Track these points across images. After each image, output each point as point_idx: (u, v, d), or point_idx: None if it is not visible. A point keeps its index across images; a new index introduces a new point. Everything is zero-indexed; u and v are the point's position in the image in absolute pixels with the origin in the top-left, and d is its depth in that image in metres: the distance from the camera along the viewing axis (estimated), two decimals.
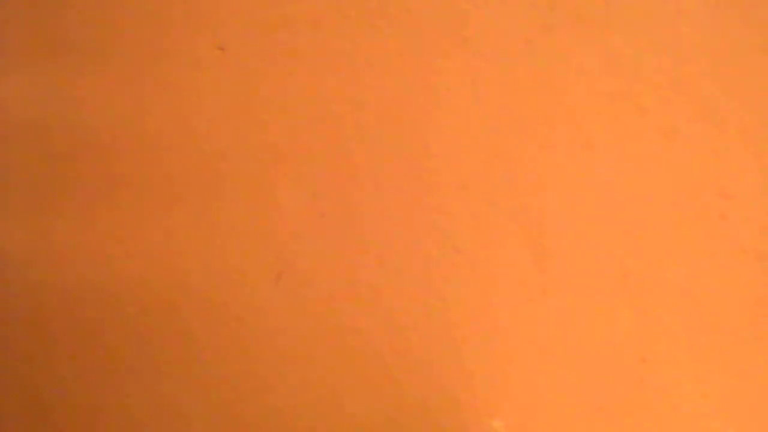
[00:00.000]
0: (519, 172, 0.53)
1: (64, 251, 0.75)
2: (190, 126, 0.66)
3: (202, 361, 0.69)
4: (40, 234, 0.77)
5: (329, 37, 0.59)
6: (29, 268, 0.78)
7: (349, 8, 0.58)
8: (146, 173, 0.69)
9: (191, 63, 0.66)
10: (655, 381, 0.50)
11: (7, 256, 0.80)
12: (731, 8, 0.45)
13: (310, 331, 0.63)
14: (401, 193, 0.57)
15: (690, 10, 0.47)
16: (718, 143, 0.46)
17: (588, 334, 0.52)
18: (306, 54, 0.60)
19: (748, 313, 0.47)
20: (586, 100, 0.50)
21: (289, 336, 0.64)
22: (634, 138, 0.49)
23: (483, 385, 0.56)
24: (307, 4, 0.59)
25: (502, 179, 0.53)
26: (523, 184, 0.53)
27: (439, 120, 0.55)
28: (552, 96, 0.51)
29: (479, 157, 0.54)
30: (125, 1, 0.69)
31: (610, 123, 0.49)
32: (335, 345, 0.62)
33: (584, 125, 0.50)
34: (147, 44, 0.68)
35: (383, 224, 0.58)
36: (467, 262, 0.55)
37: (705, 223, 0.47)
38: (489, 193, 0.54)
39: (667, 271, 0.49)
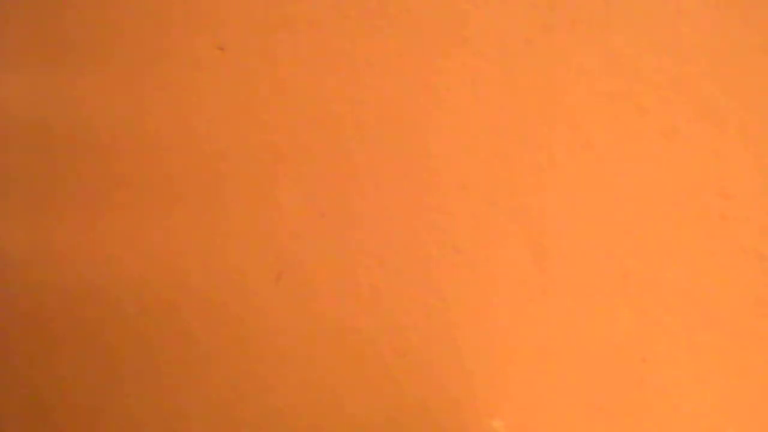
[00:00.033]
0: (519, 172, 0.53)
1: (64, 251, 0.75)
2: (190, 126, 0.66)
3: (202, 361, 0.69)
4: (40, 234, 0.77)
5: (329, 37, 0.59)
6: (29, 269, 0.78)
7: (349, 8, 0.58)
8: (146, 173, 0.69)
9: (191, 63, 0.66)
10: (655, 381, 0.50)
11: (7, 256, 0.80)
12: (731, 8, 0.45)
13: (310, 331, 0.63)
14: (401, 193, 0.57)
15: (690, 10, 0.47)
16: (718, 143, 0.46)
17: (588, 334, 0.52)
18: (306, 54, 0.60)
19: (748, 313, 0.47)
20: (586, 100, 0.50)
21: (289, 336, 0.64)
22: (634, 138, 0.49)
23: (483, 385, 0.56)
24: (307, 4, 0.59)
25: (502, 179, 0.53)
26: (523, 184, 0.53)
27: (439, 120, 0.55)
28: (552, 96, 0.51)
29: (479, 157, 0.54)
30: (125, 1, 0.69)
31: (610, 123, 0.49)
32: (335, 345, 0.62)
33: (584, 125, 0.50)
34: (147, 44, 0.68)
35: (383, 224, 0.58)
36: (467, 262, 0.55)
37: (705, 223, 0.47)
38: (489, 193, 0.54)
39: (667, 271, 0.49)
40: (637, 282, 0.50)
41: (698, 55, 0.46)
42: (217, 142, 0.65)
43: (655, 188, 0.48)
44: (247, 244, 0.65)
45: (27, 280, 0.79)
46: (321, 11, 0.59)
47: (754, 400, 0.47)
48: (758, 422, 0.47)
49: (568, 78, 0.50)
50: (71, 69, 0.73)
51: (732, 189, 0.46)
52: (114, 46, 0.70)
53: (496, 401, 0.55)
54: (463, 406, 0.56)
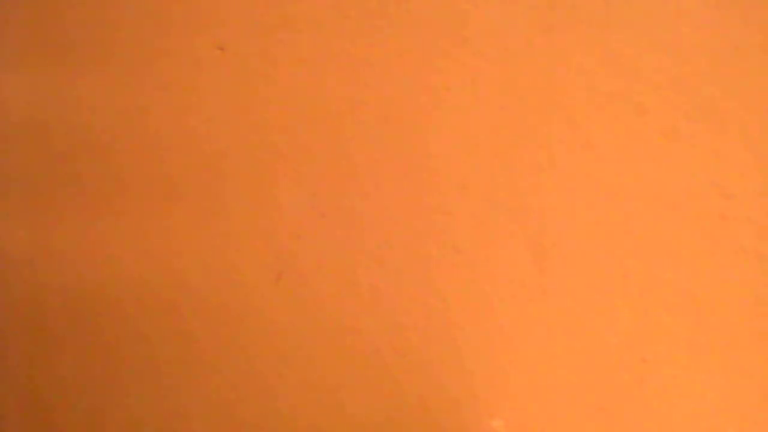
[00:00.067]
0: (519, 172, 0.53)
1: (65, 251, 0.75)
2: (190, 126, 0.66)
3: (202, 361, 0.69)
4: (40, 234, 0.77)
5: (329, 37, 0.59)
6: (30, 269, 0.78)
7: (349, 8, 0.58)
8: (146, 173, 0.69)
9: (191, 63, 0.66)
10: (655, 381, 0.50)
11: (7, 256, 0.80)
12: (731, 8, 0.45)
13: (310, 331, 0.63)
14: (401, 193, 0.57)
15: (690, 10, 0.47)
16: (718, 143, 0.46)
17: (588, 334, 0.52)
18: (306, 54, 0.60)
19: (748, 313, 0.47)
20: (586, 100, 0.50)
21: (289, 336, 0.64)
22: (634, 138, 0.49)
23: (483, 385, 0.56)
24: (307, 4, 0.59)
25: (502, 179, 0.53)
26: (523, 184, 0.53)
27: (439, 120, 0.55)
28: (552, 96, 0.51)
29: (479, 157, 0.54)
30: (125, 1, 0.69)
31: (610, 123, 0.49)
32: (335, 345, 0.62)
33: (584, 125, 0.50)
34: (147, 44, 0.68)
35: (383, 224, 0.58)
36: (467, 262, 0.55)
37: (705, 223, 0.47)
38: (489, 193, 0.54)
39: (667, 271, 0.49)
40: (637, 282, 0.50)
41: (698, 55, 0.46)
42: (217, 142, 0.65)
43: (655, 188, 0.48)
44: (247, 244, 0.65)
45: (27, 280, 0.79)
46: (321, 11, 0.59)
47: (754, 400, 0.47)
48: (758, 422, 0.47)
49: (568, 78, 0.50)
50: (71, 69, 0.73)
51: (732, 189, 0.46)
52: (114, 46, 0.70)
53: (496, 401, 0.55)
54: (463, 406, 0.56)
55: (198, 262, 0.67)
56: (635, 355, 0.50)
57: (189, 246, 0.68)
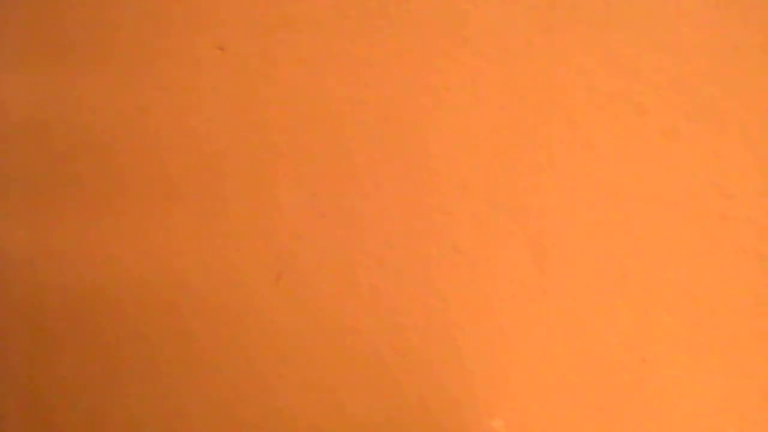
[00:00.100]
0: (519, 172, 0.53)
1: (65, 251, 0.75)
2: (190, 126, 0.66)
3: (202, 361, 0.69)
4: (40, 234, 0.77)
5: (329, 37, 0.59)
6: (30, 269, 0.78)
7: (349, 8, 0.58)
8: (146, 173, 0.69)
9: (191, 63, 0.66)
10: (655, 381, 0.50)
11: (7, 256, 0.80)
12: (731, 8, 0.45)
13: (310, 331, 0.63)
14: (401, 193, 0.57)
15: (690, 10, 0.47)
16: (718, 143, 0.46)
17: (588, 334, 0.52)
18: (306, 54, 0.60)
19: (748, 313, 0.47)
20: (586, 100, 0.50)
21: (289, 336, 0.64)
22: (634, 138, 0.49)
23: (483, 385, 0.56)
24: (307, 4, 0.59)
25: (502, 179, 0.53)
26: (523, 184, 0.53)
27: (439, 120, 0.55)
28: (552, 96, 0.51)
29: (479, 157, 0.54)
30: (125, 1, 0.69)
31: (610, 123, 0.49)
32: (335, 345, 0.62)
33: (584, 125, 0.50)
34: (147, 44, 0.68)
35: (383, 224, 0.58)
36: (467, 262, 0.55)
37: (705, 223, 0.47)
38: (489, 193, 0.54)
39: (667, 271, 0.49)
40: (637, 282, 0.50)
41: (698, 55, 0.46)
42: (217, 142, 0.65)
43: (655, 188, 0.48)
44: (247, 244, 0.65)
45: (27, 280, 0.79)
46: (321, 11, 0.59)
47: (754, 400, 0.47)
48: (758, 422, 0.47)
49: (568, 78, 0.50)
50: (71, 69, 0.73)
51: (732, 189, 0.46)
52: (114, 46, 0.70)
53: (496, 401, 0.55)
54: (463, 406, 0.56)
55: (198, 262, 0.67)
56: (635, 355, 0.50)
57: (189, 246, 0.68)
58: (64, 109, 0.74)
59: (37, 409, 0.80)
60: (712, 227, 0.47)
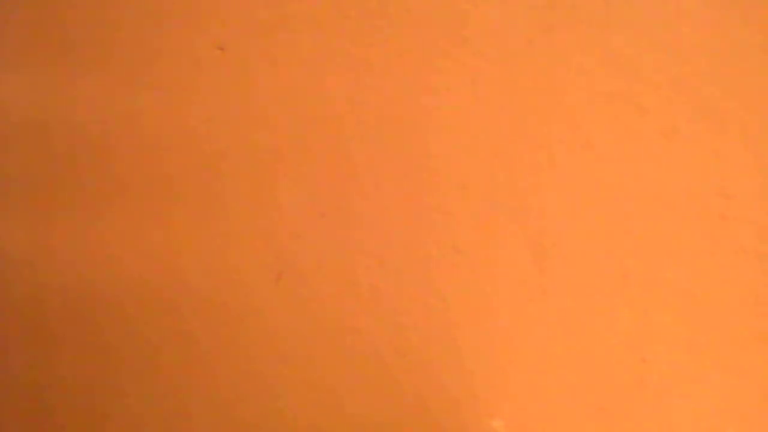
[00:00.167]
0: (519, 172, 0.53)
1: (64, 251, 0.75)
2: (190, 126, 0.66)
3: (202, 361, 0.69)
4: (40, 234, 0.77)
5: (329, 37, 0.59)
6: (30, 269, 0.78)
7: (349, 8, 0.58)
8: (146, 173, 0.69)
9: (191, 63, 0.66)
10: (655, 381, 0.50)
11: (7, 256, 0.80)
12: (731, 8, 0.45)
13: (310, 331, 0.63)
14: (401, 193, 0.57)
15: (690, 10, 0.47)
16: (718, 143, 0.46)
17: (588, 335, 0.52)
18: (306, 54, 0.60)
19: (748, 313, 0.47)
20: (586, 100, 0.50)
21: (289, 336, 0.64)
22: (634, 138, 0.49)
23: (483, 385, 0.56)
24: (307, 4, 0.59)
25: (502, 179, 0.53)
26: (523, 184, 0.53)
27: (439, 120, 0.55)
28: (552, 96, 0.51)
29: (479, 157, 0.54)
30: (125, 1, 0.69)
31: (610, 123, 0.49)
32: (335, 345, 0.62)
33: (584, 125, 0.50)
34: (147, 44, 0.68)
35: (383, 224, 0.58)
36: (467, 262, 0.55)
37: (705, 223, 0.47)
38: (489, 193, 0.54)
39: (667, 271, 0.49)
40: (637, 282, 0.50)
41: (698, 55, 0.46)
42: (217, 142, 0.65)
43: (655, 188, 0.48)
44: (247, 244, 0.65)
45: (27, 280, 0.79)
46: (321, 11, 0.59)
47: (754, 400, 0.47)
48: (758, 422, 0.47)
49: (568, 78, 0.50)
50: (71, 69, 0.73)
51: (732, 189, 0.46)
52: (114, 46, 0.70)
53: (496, 401, 0.55)
54: (463, 406, 0.56)
55: (198, 262, 0.67)
56: (635, 355, 0.50)
57: (189, 246, 0.68)
58: (64, 109, 0.74)
59: (37, 409, 0.80)
60: (712, 227, 0.47)
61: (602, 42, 0.49)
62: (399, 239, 0.58)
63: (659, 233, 0.49)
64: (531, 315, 0.53)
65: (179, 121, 0.67)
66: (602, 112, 0.49)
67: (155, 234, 0.70)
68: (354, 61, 0.58)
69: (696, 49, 0.46)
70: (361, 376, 0.61)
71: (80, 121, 0.73)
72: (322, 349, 0.62)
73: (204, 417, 0.69)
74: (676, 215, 0.48)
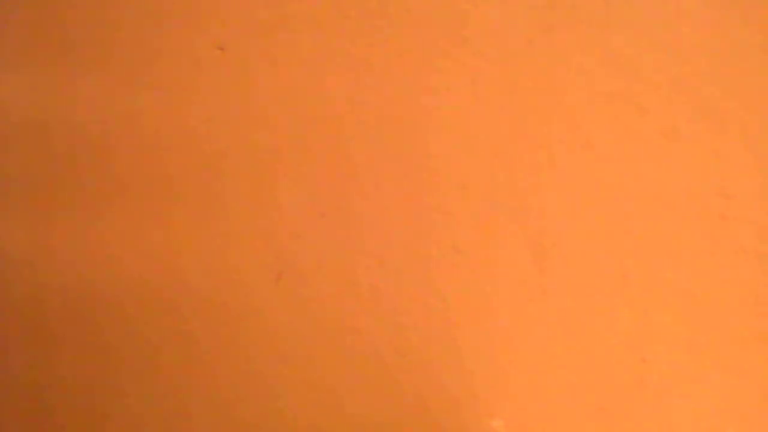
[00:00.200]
0: (519, 172, 0.53)
1: (64, 251, 0.75)
2: (189, 126, 0.66)
3: (202, 361, 0.69)
4: (40, 234, 0.77)
5: (329, 37, 0.59)
6: (30, 269, 0.78)
7: (349, 8, 0.58)
8: (146, 173, 0.69)
9: (191, 63, 0.66)
10: (655, 381, 0.50)
11: (7, 256, 0.80)
12: (731, 8, 0.45)
13: (310, 331, 0.63)
14: (401, 193, 0.57)
15: (690, 10, 0.47)
16: (718, 143, 0.46)
17: (588, 335, 0.52)
18: (306, 54, 0.60)
19: (748, 313, 0.47)
20: (586, 100, 0.50)
21: (289, 336, 0.64)
22: (634, 138, 0.49)
23: (483, 385, 0.56)
24: (307, 4, 0.59)
25: (502, 179, 0.53)
26: (523, 184, 0.53)
27: (439, 120, 0.55)
28: (552, 96, 0.51)
29: (479, 157, 0.54)
30: (125, 1, 0.69)
31: (610, 123, 0.49)
32: (335, 345, 0.62)
33: (584, 125, 0.50)
34: (147, 44, 0.68)
35: (383, 224, 0.58)
36: (467, 262, 0.55)
37: (705, 223, 0.47)
38: (489, 193, 0.54)
39: (667, 271, 0.49)
40: (637, 282, 0.50)
41: (698, 55, 0.46)
42: (217, 142, 0.65)
43: (655, 188, 0.48)
44: (247, 244, 0.65)
45: (27, 280, 0.79)
46: (321, 11, 0.59)
47: (754, 400, 0.47)
48: (758, 422, 0.47)
49: (568, 78, 0.50)
50: (71, 69, 0.73)
51: (732, 189, 0.46)
52: (114, 46, 0.70)
53: (496, 401, 0.55)
54: (463, 406, 0.56)
55: (198, 262, 0.67)
56: (635, 355, 0.50)
57: (189, 246, 0.68)
58: (64, 109, 0.74)
59: (37, 409, 0.80)
60: (712, 227, 0.47)
61: (602, 42, 0.49)
62: (399, 239, 0.58)
63: (659, 233, 0.49)
64: (531, 315, 0.53)
65: (179, 121, 0.67)
66: (602, 112, 0.49)
67: (155, 234, 0.70)
68: (354, 61, 0.58)
69: (696, 49, 0.46)
70: (361, 376, 0.61)
71: (80, 121, 0.73)
72: (322, 349, 0.62)
73: (204, 417, 0.69)
74: (676, 215, 0.48)
